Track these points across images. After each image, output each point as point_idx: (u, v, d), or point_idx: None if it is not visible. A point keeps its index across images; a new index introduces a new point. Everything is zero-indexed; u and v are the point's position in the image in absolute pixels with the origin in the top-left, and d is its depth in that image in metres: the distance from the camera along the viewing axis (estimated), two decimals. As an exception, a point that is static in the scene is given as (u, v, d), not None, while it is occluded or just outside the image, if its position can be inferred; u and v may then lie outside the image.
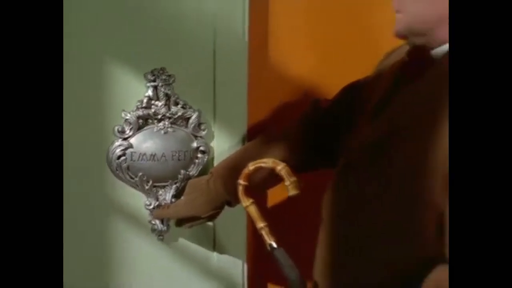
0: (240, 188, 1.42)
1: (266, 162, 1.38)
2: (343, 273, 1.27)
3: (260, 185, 1.54)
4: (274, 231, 1.39)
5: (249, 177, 1.41)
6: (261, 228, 1.38)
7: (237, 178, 1.42)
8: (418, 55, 1.25)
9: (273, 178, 1.41)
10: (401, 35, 1.25)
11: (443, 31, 1.17)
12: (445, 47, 1.19)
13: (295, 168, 1.41)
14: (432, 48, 1.21)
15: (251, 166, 1.40)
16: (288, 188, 1.33)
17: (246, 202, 1.41)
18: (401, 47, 1.36)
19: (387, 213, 1.18)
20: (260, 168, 1.39)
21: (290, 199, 1.43)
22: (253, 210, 1.40)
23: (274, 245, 1.35)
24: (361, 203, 1.23)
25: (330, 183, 1.33)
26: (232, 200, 1.52)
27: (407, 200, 1.15)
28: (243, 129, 1.73)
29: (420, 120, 1.14)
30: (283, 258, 1.34)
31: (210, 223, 1.70)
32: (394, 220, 1.17)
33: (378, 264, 1.20)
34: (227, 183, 1.50)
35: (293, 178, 1.33)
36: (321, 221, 1.35)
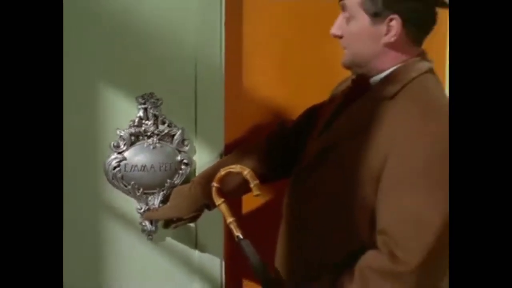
0: (213, 190, 1.66)
1: (235, 168, 1.61)
2: (298, 258, 1.53)
3: (235, 191, 1.78)
4: (245, 227, 1.63)
5: (221, 181, 1.65)
6: (230, 222, 1.63)
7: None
8: (359, 82, 1.53)
9: (245, 185, 1.65)
10: (347, 66, 1.53)
11: (378, 63, 1.46)
12: (379, 76, 1.47)
13: (263, 178, 1.67)
14: (370, 77, 1.49)
15: (222, 171, 1.64)
16: (252, 189, 1.57)
17: (218, 201, 1.65)
18: (350, 77, 1.62)
19: (331, 208, 1.45)
20: (230, 173, 1.62)
21: (260, 202, 1.68)
22: (223, 208, 1.64)
23: (241, 236, 1.60)
24: (310, 201, 1.50)
25: (289, 184, 1.60)
26: (210, 203, 1.76)
27: (346, 197, 1.41)
28: (220, 145, 1.96)
29: (358, 132, 1.41)
30: (247, 247, 1.57)
31: (192, 225, 1.93)
32: (336, 214, 1.44)
33: (324, 250, 1.47)
34: (205, 189, 1.73)
35: (256, 181, 1.57)
36: (282, 217, 1.61)
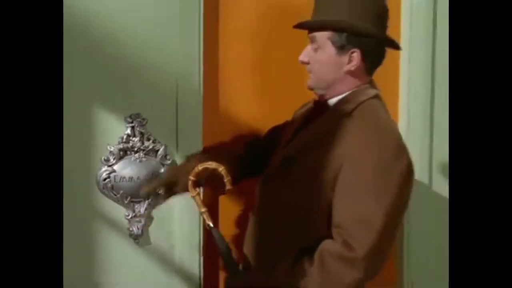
0: (190, 182, 1.82)
1: (211, 164, 1.79)
2: (264, 247, 1.77)
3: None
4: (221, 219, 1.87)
5: (197, 175, 1.81)
6: (203, 212, 1.82)
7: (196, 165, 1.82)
8: (320, 103, 1.80)
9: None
10: (311, 88, 1.80)
11: (338, 87, 1.73)
12: (336, 98, 1.74)
13: (236, 177, 1.86)
14: (329, 99, 1.76)
15: (200, 166, 1.81)
16: (225, 183, 1.77)
17: (193, 192, 1.82)
18: (310, 101, 1.90)
19: (294, 205, 1.70)
20: (206, 169, 1.80)
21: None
22: (197, 199, 1.82)
23: (211, 225, 1.80)
24: (276, 200, 1.75)
25: (257, 186, 1.84)
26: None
27: (307, 196, 1.67)
28: (199, 158, 2.21)
29: (318, 143, 1.68)
30: (217, 234, 1.79)
31: (173, 229, 2.18)
32: (299, 210, 1.69)
33: (288, 240, 1.70)
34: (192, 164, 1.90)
35: (229, 177, 1.76)
36: (252, 209, 1.85)
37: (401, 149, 1.62)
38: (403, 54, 2.30)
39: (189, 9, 2.16)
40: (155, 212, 2.20)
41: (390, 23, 1.77)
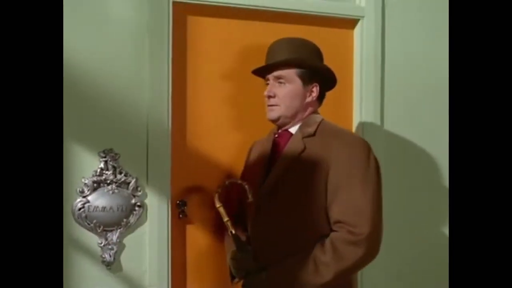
0: (216, 195, 2.04)
1: (237, 180, 2.07)
2: (276, 245, 1.99)
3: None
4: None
5: (224, 189, 2.06)
6: (227, 221, 2.02)
7: None
8: (283, 132, 2.08)
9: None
10: (275, 120, 2.07)
11: (299, 115, 2.03)
12: (297, 126, 2.03)
13: None
14: (290, 127, 2.05)
15: (227, 182, 2.08)
16: (248, 197, 2.00)
17: (218, 204, 2.02)
18: (262, 139, 2.19)
19: (298, 210, 1.95)
20: (234, 183, 2.06)
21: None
22: (221, 210, 2.02)
23: (233, 231, 2.01)
24: (282, 206, 1.99)
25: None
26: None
27: (309, 201, 1.94)
28: (167, 191, 2.37)
29: (296, 165, 1.96)
30: (237, 240, 2.00)
31: (143, 257, 2.33)
32: (303, 213, 1.95)
33: (295, 241, 1.96)
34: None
35: (251, 192, 2.00)
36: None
37: (367, 149, 1.95)
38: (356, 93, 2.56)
39: (158, 51, 2.36)
40: (126, 240, 2.34)
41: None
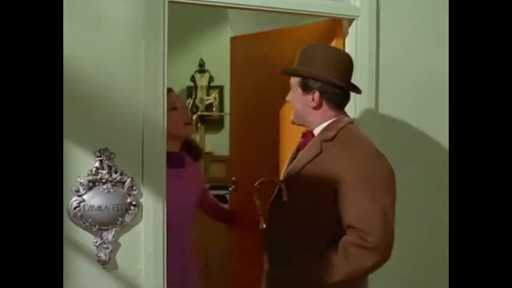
0: (255, 191, 2.19)
1: (275, 179, 2.22)
2: (286, 242, 2.17)
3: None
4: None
5: (262, 185, 2.21)
6: (260, 214, 2.19)
7: None
8: (307, 133, 2.26)
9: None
10: (293, 122, 2.27)
11: (312, 119, 2.22)
12: (319, 127, 2.19)
13: None
14: (313, 129, 2.20)
15: (265, 179, 2.23)
16: (283, 195, 2.15)
17: (256, 198, 2.19)
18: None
19: (315, 210, 2.11)
20: (272, 181, 2.22)
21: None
22: (258, 204, 2.18)
23: (265, 226, 2.17)
24: (297, 207, 2.14)
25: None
26: None
27: (322, 202, 2.10)
28: (163, 189, 2.38)
29: (310, 166, 2.12)
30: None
31: (139, 256, 2.35)
32: (318, 213, 2.10)
33: (311, 238, 2.11)
34: None
35: (287, 191, 2.14)
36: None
37: (379, 157, 2.10)
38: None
39: (154, 51, 2.37)
40: (121, 239, 2.35)
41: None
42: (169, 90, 2.12)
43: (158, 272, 2.38)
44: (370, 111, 2.70)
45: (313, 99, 2.19)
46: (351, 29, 2.71)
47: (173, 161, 2.43)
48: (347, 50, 2.70)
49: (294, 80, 2.22)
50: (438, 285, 2.79)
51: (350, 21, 2.71)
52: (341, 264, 2.02)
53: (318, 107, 2.20)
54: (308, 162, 2.15)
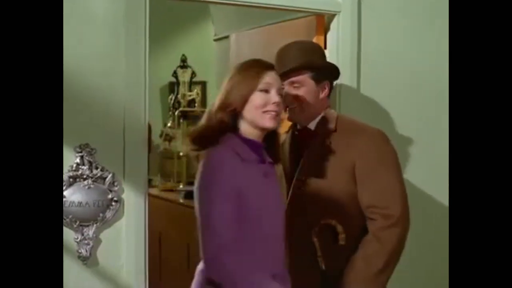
0: (313, 231, 2.13)
1: (331, 222, 2.13)
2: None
3: None
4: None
5: (320, 226, 2.14)
6: (319, 256, 2.11)
7: None
8: (303, 129, 2.24)
9: None
10: (292, 120, 2.24)
11: (314, 112, 2.19)
12: (314, 122, 2.20)
13: None
14: (307, 124, 2.20)
15: (323, 221, 2.14)
16: (339, 239, 2.12)
17: (315, 239, 2.12)
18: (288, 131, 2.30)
19: (335, 198, 2.13)
20: (328, 224, 2.13)
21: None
22: (317, 245, 2.12)
23: (324, 268, 2.11)
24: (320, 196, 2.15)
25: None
26: None
27: (337, 193, 2.12)
28: (144, 185, 2.39)
29: (325, 158, 2.13)
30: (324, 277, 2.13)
31: (120, 252, 2.33)
32: (339, 202, 2.14)
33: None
34: None
35: (344, 235, 2.12)
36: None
37: (386, 138, 2.17)
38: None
39: (135, 45, 2.36)
40: (103, 235, 2.34)
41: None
42: (272, 67, 1.87)
43: (139, 267, 2.38)
44: (352, 106, 2.70)
45: (323, 90, 2.21)
46: (333, 25, 2.71)
47: (254, 149, 1.89)
48: (328, 46, 2.71)
49: (302, 76, 2.16)
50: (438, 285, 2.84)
51: (332, 16, 2.71)
52: (378, 250, 2.06)
53: (324, 98, 2.22)
54: (320, 157, 2.14)
